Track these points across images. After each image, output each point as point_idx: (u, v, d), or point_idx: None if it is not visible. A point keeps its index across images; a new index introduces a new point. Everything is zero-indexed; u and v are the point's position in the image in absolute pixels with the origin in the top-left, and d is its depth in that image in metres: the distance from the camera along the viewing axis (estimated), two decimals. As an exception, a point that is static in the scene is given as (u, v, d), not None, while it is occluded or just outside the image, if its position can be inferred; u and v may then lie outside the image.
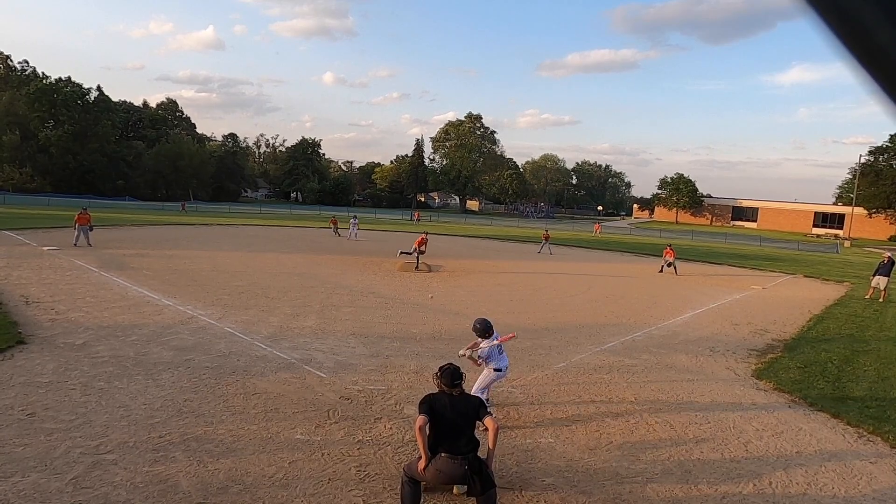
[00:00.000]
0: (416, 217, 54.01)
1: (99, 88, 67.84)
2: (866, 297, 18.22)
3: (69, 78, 65.01)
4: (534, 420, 6.74)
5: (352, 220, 32.20)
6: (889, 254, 19.35)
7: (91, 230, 20.48)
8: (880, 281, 18.19)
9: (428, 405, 4.40)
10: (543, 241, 29.88)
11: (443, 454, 4.31)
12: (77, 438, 5.49)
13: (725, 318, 13.93)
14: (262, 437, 5.81)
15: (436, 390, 4.63)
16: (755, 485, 5.43)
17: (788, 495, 5.27)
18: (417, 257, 19.61)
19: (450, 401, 4.47)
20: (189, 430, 5.84)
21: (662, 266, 23.44)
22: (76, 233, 20.10)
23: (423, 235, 20.42)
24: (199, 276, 15.54)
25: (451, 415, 4.39)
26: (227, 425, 6.03)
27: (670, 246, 24.24)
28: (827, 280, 23.55)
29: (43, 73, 68.02)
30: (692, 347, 10.71)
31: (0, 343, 8.18)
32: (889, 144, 67.73)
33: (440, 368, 4.65)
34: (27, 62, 68.88)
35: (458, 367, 4.66)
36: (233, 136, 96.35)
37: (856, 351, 10.87)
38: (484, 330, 6.41)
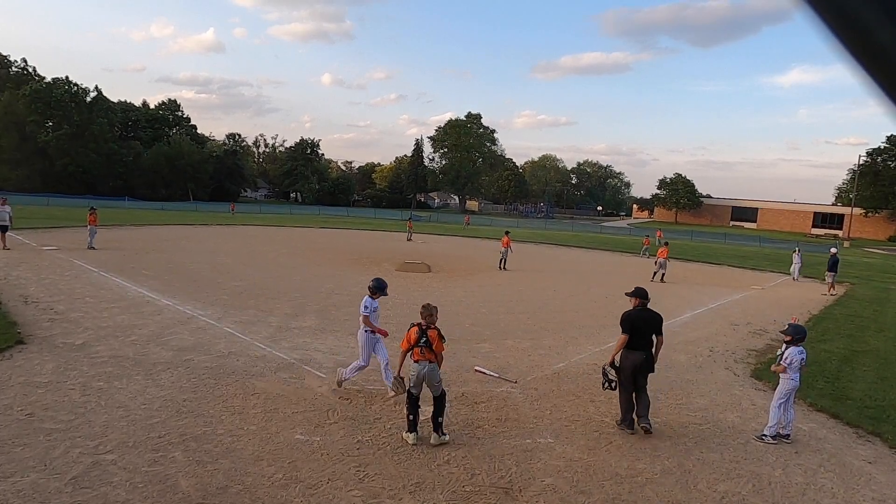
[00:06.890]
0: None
1: (97, 89, 67.58)
2: (830, 293, 18.82)
3: (67, 78, 64.82)
4: (534, 420, 6.74)
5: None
6: (835, 249, 19.81)
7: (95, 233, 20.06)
8: (827, 276, 19.26)
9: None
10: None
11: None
12: (76, 438, 5.48)
13: (725, 318, 13.93)
14: (262, 437, 5.81)
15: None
16: (755, 485, 5.43)
17: (788, 495, 5.27)
18: (505, 259, 21.47)
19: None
20: (188, 431, 5.83)
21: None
22: (89, 235, 19.76)
23: (507, 236, 22.04)
24: (198, 276, 15.53)
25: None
26: (226, 425, 6.03)
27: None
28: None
29: (40, 74, 67.81)
30: (692, 347, 10.71)
31: (-1, 343, 8.18)
32: (886, 146, 67.98)
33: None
34: (25, 61, 68.67)
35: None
36: (235, 135, 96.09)
37: (855, 351, 10.88)
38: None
